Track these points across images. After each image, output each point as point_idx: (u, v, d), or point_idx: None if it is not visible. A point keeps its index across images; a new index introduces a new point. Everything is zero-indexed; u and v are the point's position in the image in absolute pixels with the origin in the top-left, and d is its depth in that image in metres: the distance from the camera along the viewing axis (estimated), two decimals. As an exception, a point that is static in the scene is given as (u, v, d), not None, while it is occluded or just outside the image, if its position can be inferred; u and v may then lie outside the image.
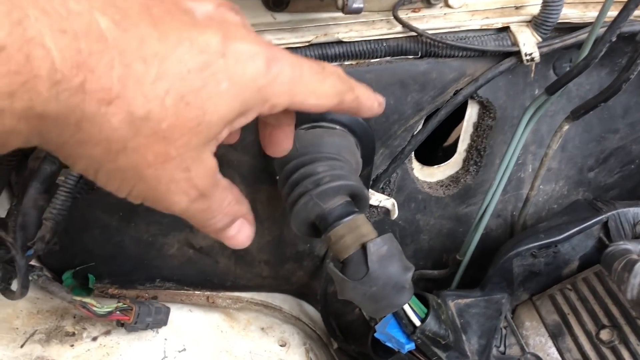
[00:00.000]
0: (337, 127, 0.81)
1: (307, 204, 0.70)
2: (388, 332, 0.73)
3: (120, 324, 0.75)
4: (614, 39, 0.71)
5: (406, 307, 0.72)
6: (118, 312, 0.74)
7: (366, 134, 0.82)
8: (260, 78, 0.41)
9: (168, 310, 0.81)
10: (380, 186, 0.94)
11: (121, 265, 0.95)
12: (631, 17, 0.84)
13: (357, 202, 0.74)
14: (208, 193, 0.43)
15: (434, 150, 1.38)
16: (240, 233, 0.51)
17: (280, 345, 0.96)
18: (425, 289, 1.06)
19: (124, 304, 0.74)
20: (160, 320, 0.79)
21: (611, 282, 0.82)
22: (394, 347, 0.74)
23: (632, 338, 0.78)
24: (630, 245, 0.70)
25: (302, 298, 1.14)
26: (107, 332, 0.78)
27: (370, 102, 0.53)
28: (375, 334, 0.74)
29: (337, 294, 0.79)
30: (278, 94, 0.43)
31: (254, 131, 0.82)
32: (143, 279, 0.98)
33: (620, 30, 0.70)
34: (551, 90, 0.78)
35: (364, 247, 0.66)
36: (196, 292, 1.01)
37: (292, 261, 1.01)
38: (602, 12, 0.72)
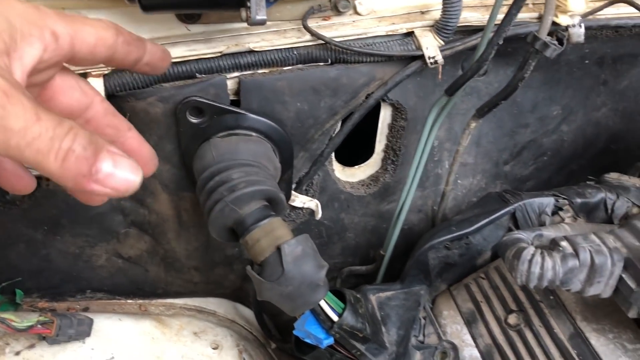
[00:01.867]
0: (253, 134, 0.84)
1: (223, 210, 0.72)
2: (306, 329, 0.76)
3: (42, 338, 0.76)
4: (501, 42, 0.75)
5: (323, 304, 0.76)
6: (39, 326, 0.75)
7: (283, 139, 0.85)
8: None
9: (91, 321, 0.82)
10: (304, 188, 0.97)
11: (49, 279, 0.95)
12: (525, 20, 0.90)
13: (274, 206, 0.77)
14: (15, 92, 0.38)
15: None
16: (119, 169, 0.42)
17: (213, 348, 0.99)
18: (356, 285, 1.10)
19: (45, 317, 0.75)
20: (83, 331, 0.80)
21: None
22: (313, 342, 0.77)
23: (535, 321, 0.83)
24: (523, 235, 0.75)
25: (237, 301, 1.16)
26: (31, 346, 0.78)
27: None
28: (294, 331, 0.77)
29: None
30: (55, 20, 0.44)
31: (173, 140, 0.84)
32: (73, 291, 0.99)
33: (506, 34, 0.75)
34: (450, 91, 0.82)
35: (279, 249, 0.69)
36: (128, 301, 1.02)
37: (222, 265, 1.04)
38: (492, 17, 0.77)
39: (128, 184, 0.43)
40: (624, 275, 0.68)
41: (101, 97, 0.56)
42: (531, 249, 0.69)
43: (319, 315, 0.76)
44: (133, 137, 0.59)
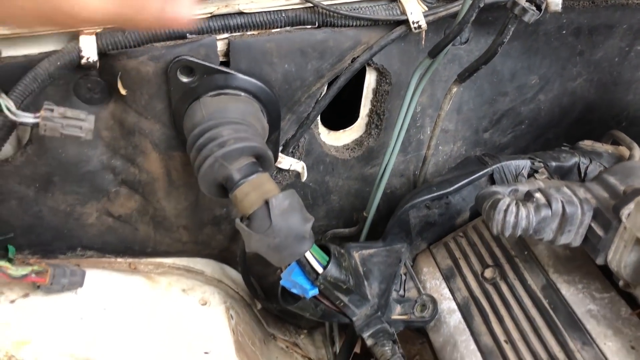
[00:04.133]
0: (242, 94, 0.86)
1: (212, 165, 0.75)
2: (293, 280, 0.79)
3: (37, 287, 0.78)
4: (482, 5, 0.79)
5: (308, 256, 0.79)
6: (33, 275, 0.77)
7: (270, 100, 0.88)
8: None
9: (84, 272, 0.84)
10: (290, 150, 1.00)
11: (40, 236, 0.97)
12: (505, -13, 0.93)
13: (262, 162, 0.80)
14: None
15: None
16: None
17: (201, 305, 1.02)
18: (340, 247, 1.13)
19: (40, 267, 0.78)
20: (76, 281, 0.82)
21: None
22: (299, 292, 0.80)
23: (510, 274, 0.87)
24: (499, 189, 0.78)
25: (224, 262, 1.19)
26: (26, 295, 0.81)
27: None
28: (281, 282, 0.80)
29: (256, 257, 0.84)
30: None
31: (164, 99, 0.87)
32: (64, 249, 1.01)
33: (487, -1, 0.78)
34: (433, 53, 0.86)
35: (267, 203, 0.72)
36: (118, 260, 1.05)
37: (210, 225, 1.06)
38: (473, -18, 0.80)
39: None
40: (592, 224, 0.72)
41: None
42: (507, 200, 0.73)
43: (305, 267, 0.79)
44: None
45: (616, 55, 1.11)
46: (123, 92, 0.85)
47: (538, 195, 0.73)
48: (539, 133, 1.20)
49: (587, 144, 1.07)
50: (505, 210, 0.72)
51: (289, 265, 0.79)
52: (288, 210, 0.73)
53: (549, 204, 0.72)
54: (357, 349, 1.35)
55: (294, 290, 0.81)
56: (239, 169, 0.75)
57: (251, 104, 0.86)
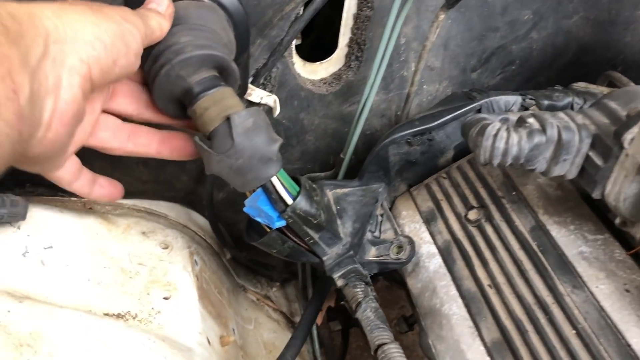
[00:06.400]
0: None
1: (168, 75, 0.66)
2: (259, 207, 0.71)
3: (-29, 216, 0.70)
4: None
5: (276, 183, 0.71)
6: (-34, 202, 0.69)
7: (238, 11, 0.78)
8: None
9: (26, 204, 0.76)
10: (261, 82, 0.92)
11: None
12: None
13: (226, 76, 0.71)
14: None
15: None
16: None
17: (163, 248, 0.94)
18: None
19: (-26, 194, 0.69)
20: (17, 213, 0.74)
21: (480, 167, 0.85)
22: (264, 222, 0.73)
23: (496, 215, 0.80)
24: (488, 116, 0.71)
25: (191, 207, 1.11)
26: (-41, 225, 0.73)
27: None
28: (245, 208, 0.72)
29: (225, 202, 0.75)
30: None
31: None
32: (12, 185, 0.92)
33: None
34: (419, -34, 0.77)
35: (228, 119, 0.64)
36: (72, 198, 0.96)
37: (173, 163, 0.98)
38: None
39: None
40: (590, 153, 0.65)
41: None
42: (497, 124, 0.66)
43: (272, 194, 0.71)
44: None
45: (616, -10, 1.04)
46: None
47: (531, 120, 0.66)
48: (529, 75, 1.13)
49: (580, 85, 0.99)
50: (495, 136, 0.65)
51: (255, 191, 0.72)
52: (252, 128, 0.65)
53: (543, 129, 0.65)
54: (331, 303, 1.29)
55: (259, 219, 0.73)
56: (198, 81, 0.67)
57: (216, 12, 0.76)
